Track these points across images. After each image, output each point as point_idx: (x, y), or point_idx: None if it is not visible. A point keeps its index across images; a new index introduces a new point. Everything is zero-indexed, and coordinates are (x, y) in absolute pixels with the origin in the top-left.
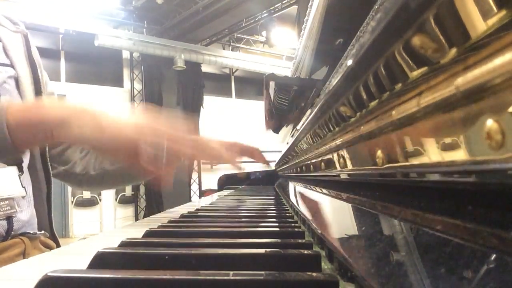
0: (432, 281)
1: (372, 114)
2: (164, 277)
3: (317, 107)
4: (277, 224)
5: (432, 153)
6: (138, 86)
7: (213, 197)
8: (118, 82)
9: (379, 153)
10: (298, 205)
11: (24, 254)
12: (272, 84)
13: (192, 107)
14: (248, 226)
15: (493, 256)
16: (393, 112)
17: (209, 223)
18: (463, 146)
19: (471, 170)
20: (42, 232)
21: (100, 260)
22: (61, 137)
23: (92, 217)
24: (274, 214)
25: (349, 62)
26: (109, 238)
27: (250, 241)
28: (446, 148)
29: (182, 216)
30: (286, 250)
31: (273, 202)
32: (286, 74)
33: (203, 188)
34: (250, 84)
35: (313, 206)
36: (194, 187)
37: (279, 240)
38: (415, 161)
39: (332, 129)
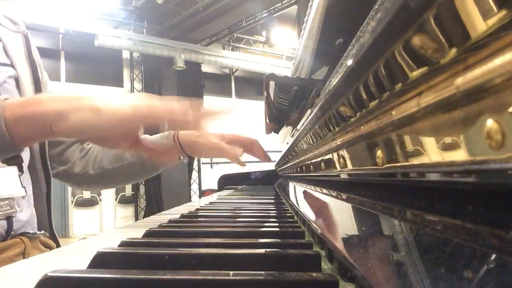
0: (432, 281)
1: (372, 114)
2: (164, 277)
3: (317, 107)
4: (277, 224)
5: (432, 153)
6: (138, 86)
7: (213, 197)
8: (118, 82)
9: (379, 153)
10: (298, 205)
11: (24, 254)
12: (272, 84)
13: None
14: (248, 226)
15: (493, 256)
16: (393, 112)
17: (209, 223)
18: (463, 146)
19: (471, 170)
20: (42, 232)
21: (100, 260)
22: (61, 130)
23: (92, 217)
24: (274, 214)
25: (349, 62)
26: (109, 238)
27: (250, 241)
28: (446, 148)
29: (182, 216)
30: (286, 250)
31: (273, 202)
32: (286, 74)
33: (203, 188)
34: (250, 84)
35: (313, 206)
36: (194, 187)
37: (279, 240)
38: (415, 161)
39: (332, 129)
